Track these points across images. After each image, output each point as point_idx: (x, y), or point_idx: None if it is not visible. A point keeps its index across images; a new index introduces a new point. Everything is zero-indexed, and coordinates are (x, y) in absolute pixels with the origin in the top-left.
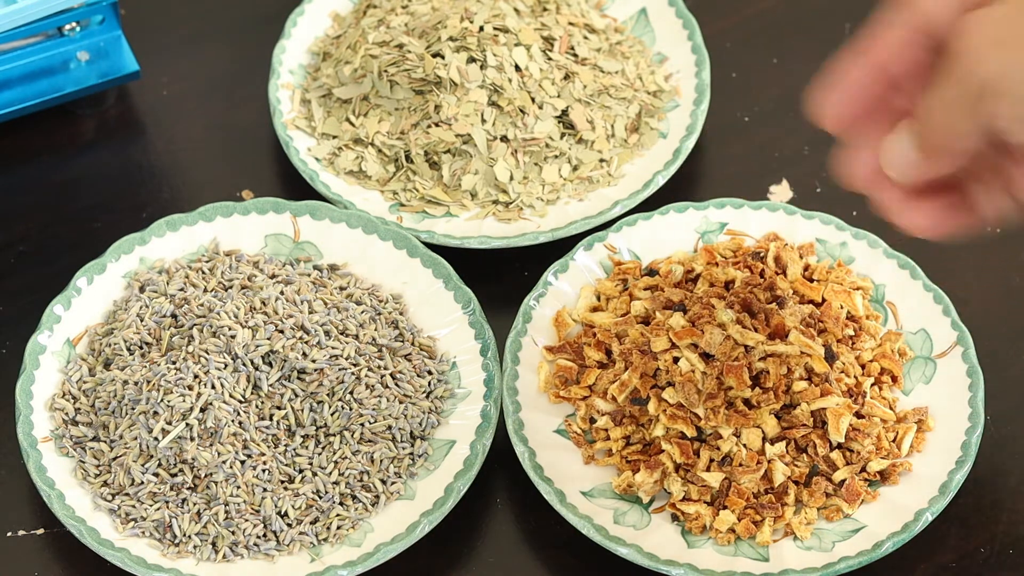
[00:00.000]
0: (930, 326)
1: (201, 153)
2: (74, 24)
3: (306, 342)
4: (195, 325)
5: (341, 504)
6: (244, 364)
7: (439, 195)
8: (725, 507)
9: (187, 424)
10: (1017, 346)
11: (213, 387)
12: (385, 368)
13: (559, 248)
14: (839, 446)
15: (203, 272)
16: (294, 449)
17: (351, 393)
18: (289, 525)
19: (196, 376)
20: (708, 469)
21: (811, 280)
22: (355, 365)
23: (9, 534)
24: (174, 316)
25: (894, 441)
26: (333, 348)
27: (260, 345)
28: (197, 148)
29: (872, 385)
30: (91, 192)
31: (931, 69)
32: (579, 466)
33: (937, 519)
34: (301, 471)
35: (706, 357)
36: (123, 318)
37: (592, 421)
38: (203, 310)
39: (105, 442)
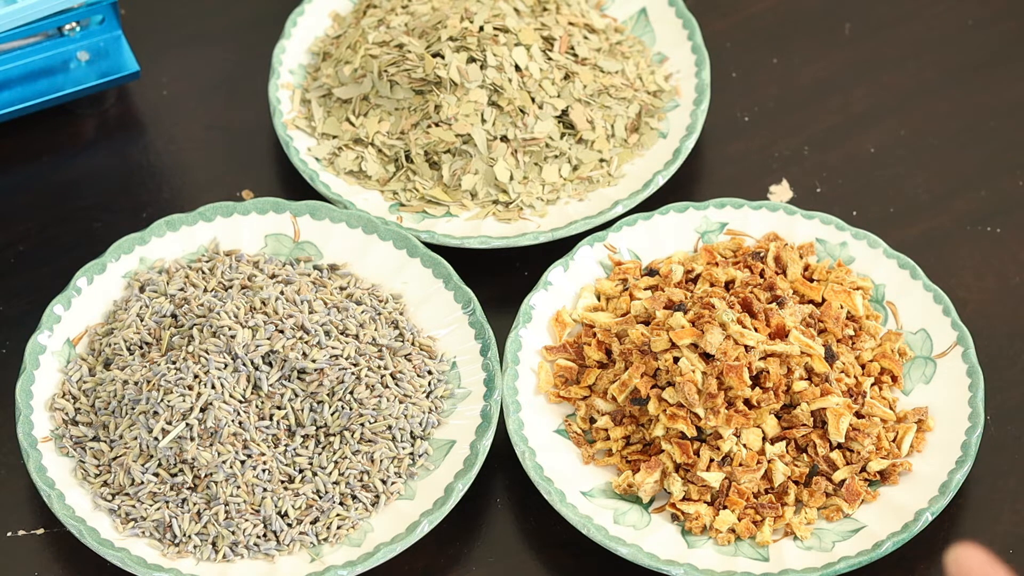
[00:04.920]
0: (930, 326)
1: (201, 153)
2: (74, 24)
3: (306, 342)
4: (195, 325)
5: (341, 504)
6: (244, 364)
7: (439, 195)
8: (725, 507)
9: (187, 424)
10: (1017, 346)
11: (213, 387)
12: (385, 368)
13: (559, 248)
14: (839, 446)
15: (203, 272)
16: (294, 449)
17: (351, 393)
18: (289, 525)
19: (196, 376)
20: (708, 469)
21: (811, 280)
22: (355, 365)
23: (9, 534)
24: (174, 316)
25: (894, 441)
26: (333, 348)
27: (260, 345)
28: (197, 148)
29: (872, 385)
30: (91, 192)
31: None
32: (579, 466)
33: (937, 519)
34: (301, 471)
35: (706, 357)
36: (123, 318)
37: (592, 421)
38: (203, 310)
39: (105, 442)
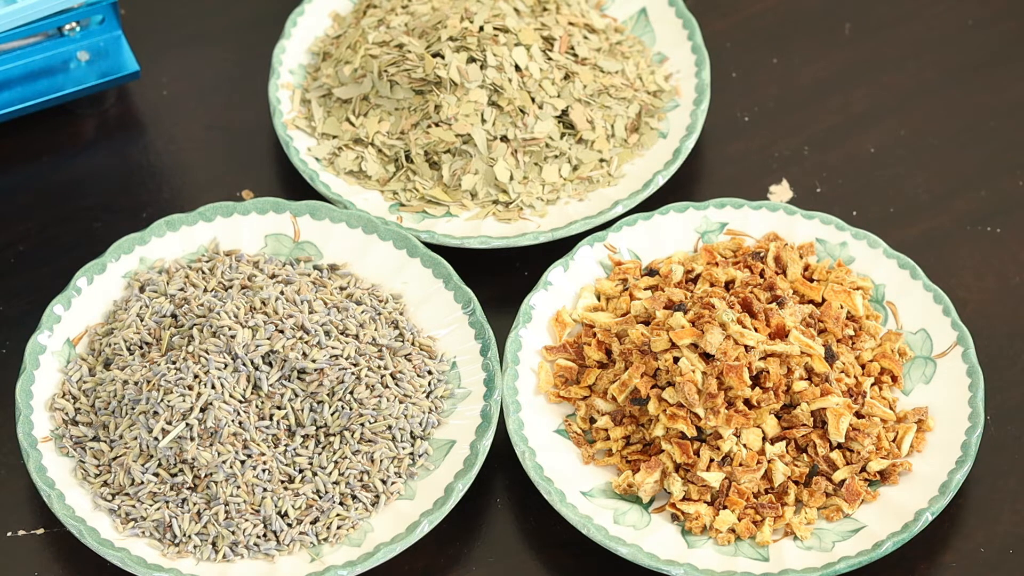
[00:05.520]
0: (930, 326)
1: (201, 153)
2: (74, 24)
3: (306, 342)
4: (195, 325)
5: (341, 504)
6: (244, 364)
7: (439, 195)
8: (725, 507)
9: (187, 424)
10: (1017, 346)
11: (213, 387)
12: (385, 368)
13: (559, 248)
14: (839, 446)
15: (203, 272)
16: (294, 449)
17: (351, 393)
18: (289, 525)
19: (196, 376)
20: (708, 469)
21: (811, 280)
22: (355, 365)
23: (9, 534)
24: (174, 316)
25: (894, 441)
26: (333, 348)
27: (260, 345)
28: (197, 148)
29: (872, 385)
30: (91, 192)
31: None
32: (579, 466)
33: (937, 519)
34: (301, 471)
35: (706, 357)
36: (123, 318)
37: (592, 421)
38: (203, 310)
39: (105, 442)
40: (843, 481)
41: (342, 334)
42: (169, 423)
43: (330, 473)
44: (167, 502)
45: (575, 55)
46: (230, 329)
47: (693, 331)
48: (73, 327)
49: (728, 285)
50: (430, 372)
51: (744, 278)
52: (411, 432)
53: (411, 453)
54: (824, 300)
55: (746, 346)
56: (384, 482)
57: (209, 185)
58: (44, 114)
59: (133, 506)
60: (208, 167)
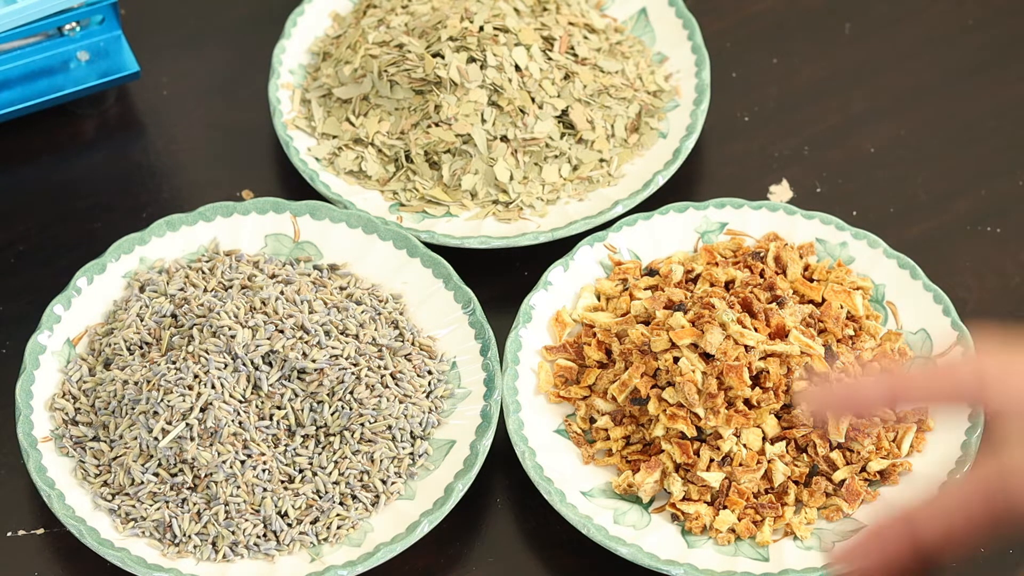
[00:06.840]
0: (930, 326)
1: (201, 153)
2: (74, 24)
3: (306, 342)
4: (195, 325)
5: (341, 504)
6: (244, 364)
7: (439, 195)
8: (725, 507)
9: (187, 424)
10: None
11: (213, 387)
12: (385, 368)
13: (559, 248)
14: (839, 446)
15: (203, 272)
16: (294, 449)
17: (351, 393)
18: (289, 525)
19: (196, 376)
20: (708, 469)
21: (811, 280)
22: (355, 365)
23: (9, 534)
24: (174, 316)
25: (894, 441)
26: (333, 348)
27: (260, 345)
28: (197, 148)
29: None
30: (91, 192)
31: None
32: (579, 466)
33: None
34: (301, 471)
35: (706, 357)
36: (123, 318)
37: (592, 421)
38: (203, 310)
39: (105, 442)
40: (843, 481)
41: (342, 334)
42: (169, 423)
43: (330, 473)
44: (167, 502)
45: (575, 55)
46: (230, 329)
47: (693, 331)
48: (73, 327)
49: (728, 285)
50: (430, 372)
51: (744, 278)
52: (411, 432)
53: (411, 453)
54: (824, 300)
55: (746, 346)
56: (384, 482)
57: (209, 185)
58: (44, 114)
59: (133, 506)
60: (208, 167)
